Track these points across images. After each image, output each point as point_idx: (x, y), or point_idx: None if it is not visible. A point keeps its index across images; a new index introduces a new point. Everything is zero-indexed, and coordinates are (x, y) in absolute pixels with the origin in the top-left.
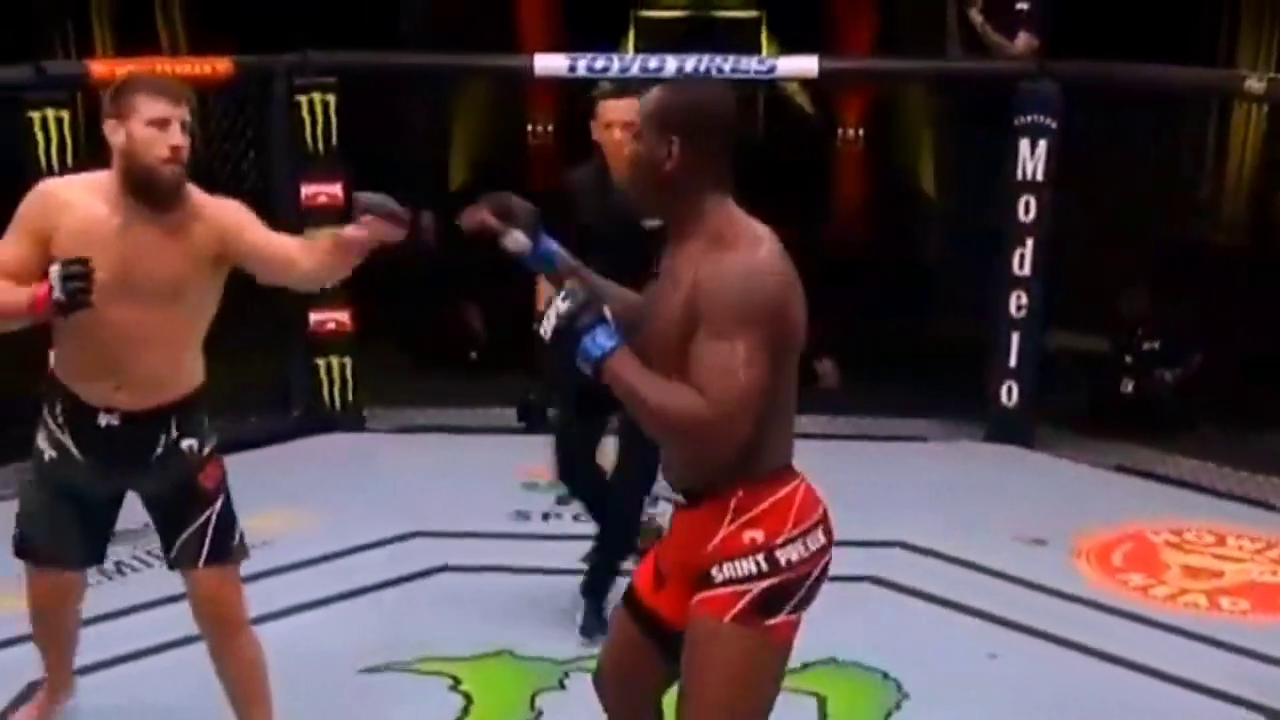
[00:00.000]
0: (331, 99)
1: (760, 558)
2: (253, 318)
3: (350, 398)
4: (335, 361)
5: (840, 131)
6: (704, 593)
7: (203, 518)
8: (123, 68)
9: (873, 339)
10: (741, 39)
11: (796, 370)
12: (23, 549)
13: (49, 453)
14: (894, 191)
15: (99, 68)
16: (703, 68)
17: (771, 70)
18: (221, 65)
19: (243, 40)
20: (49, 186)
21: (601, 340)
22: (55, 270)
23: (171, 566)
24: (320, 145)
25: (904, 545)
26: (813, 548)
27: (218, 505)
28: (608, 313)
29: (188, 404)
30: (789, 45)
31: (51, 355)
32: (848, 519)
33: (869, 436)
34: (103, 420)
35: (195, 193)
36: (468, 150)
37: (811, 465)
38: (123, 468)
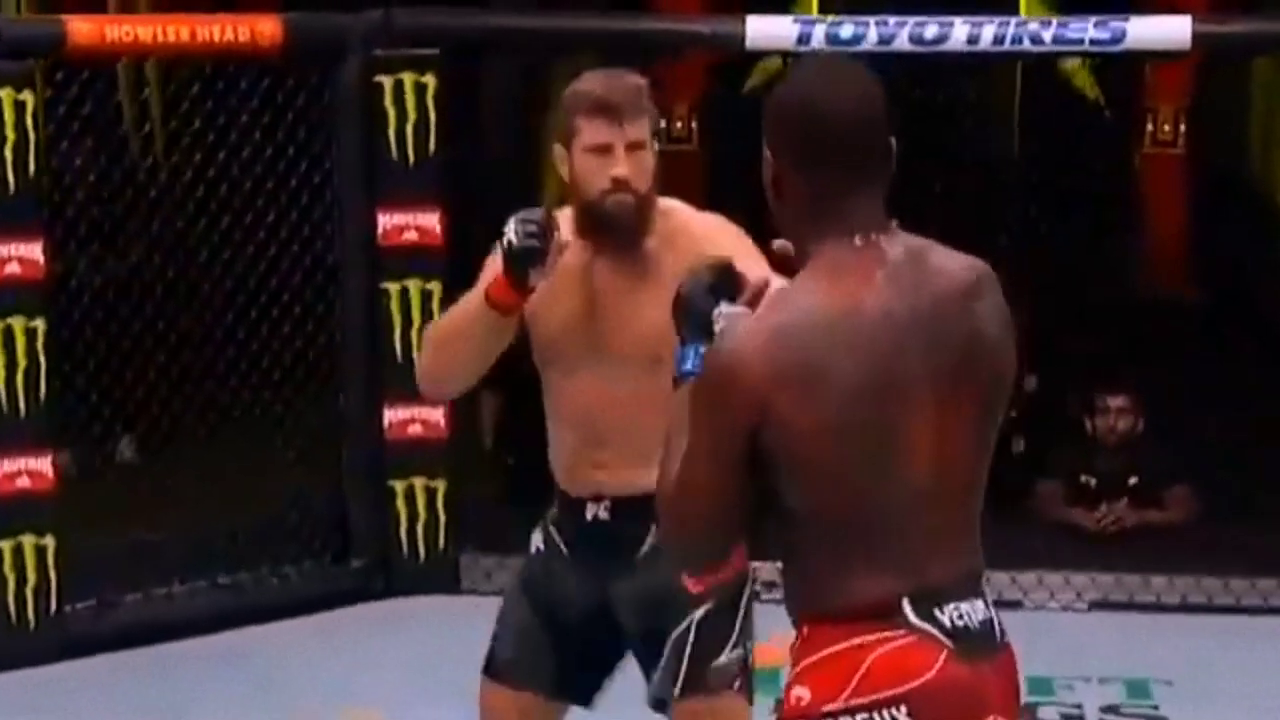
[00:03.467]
0: (430, 81)
1: None
2: (294, 414)
3: (442, 541)
4: (420, 485)
5: (1150, 126)
6: None
7: (681, 628)
8: (120, 25)
9: (1230, 441)
10: None
11: (883, 477)
12: (487, 660)
13: (536, 544)
14: (1234, 210)
15: (82, 28)
16: (1009, 34)
17: (1119, 39)
18: (265, 28)
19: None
20: None
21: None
22: (511, 221)
23: (655, 708)
24: (411, 152)
25: None
26: None
27: (701, 612)
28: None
29: None
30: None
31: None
32: None
33: (1241, 608)
34: (590, 512)
35: (680, 217)
36: None
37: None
38: (605, 567)
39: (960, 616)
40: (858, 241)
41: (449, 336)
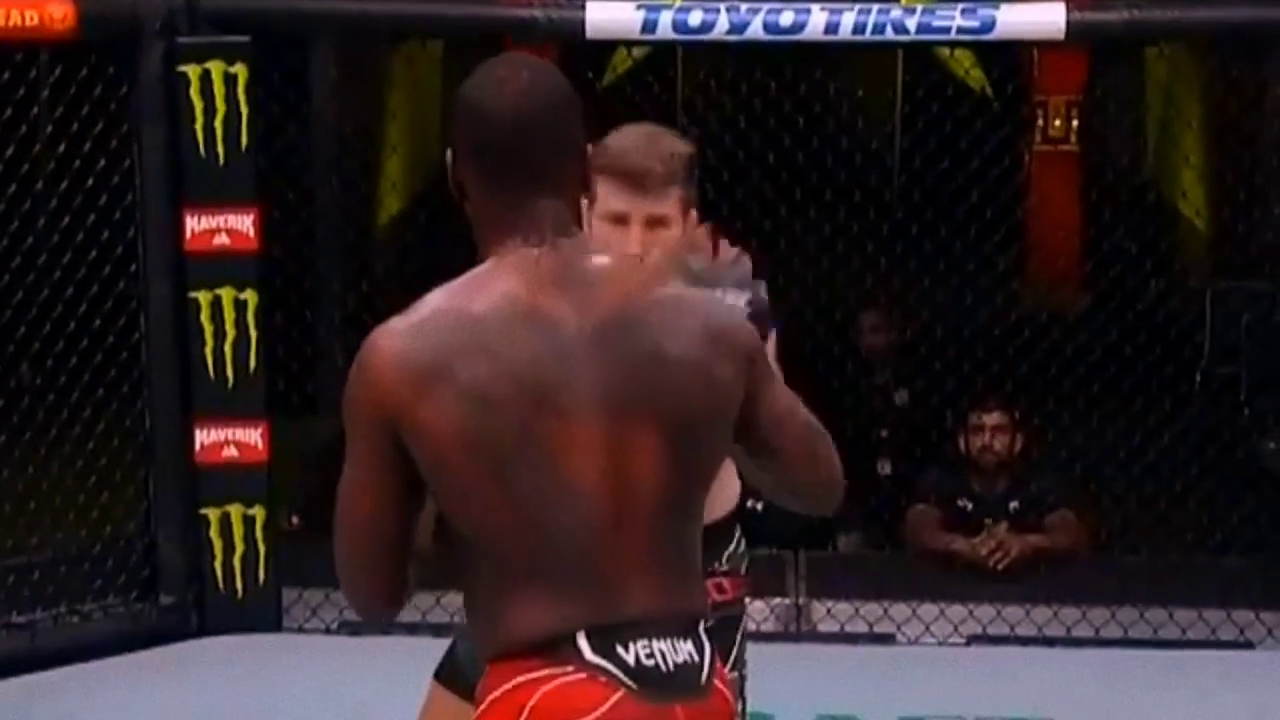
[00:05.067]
0: (240, 72)
1: None
2: (96, 436)
3: (261, 574)
4: (236, 513)
5: (1040, 122)
6: None
7: None
8: None
9: (1118, 462)
10: None
11: (540, 496)
12: (439, 666)
13: None
14: (1133, 217)
15: None
16: (870, 22)
17: (989, 27)
18: (55, 10)
19: None
20: None
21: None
22: None
23: None
24: (221, 149)
25: None
26: None
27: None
28: None
29: (713, 531)
30: None
31: None
32: None
33: (1130, 641)
34: None
35: None
36: (407, 165)
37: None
38: None
39: (650, 655)
40: (532, 248)
41: None
